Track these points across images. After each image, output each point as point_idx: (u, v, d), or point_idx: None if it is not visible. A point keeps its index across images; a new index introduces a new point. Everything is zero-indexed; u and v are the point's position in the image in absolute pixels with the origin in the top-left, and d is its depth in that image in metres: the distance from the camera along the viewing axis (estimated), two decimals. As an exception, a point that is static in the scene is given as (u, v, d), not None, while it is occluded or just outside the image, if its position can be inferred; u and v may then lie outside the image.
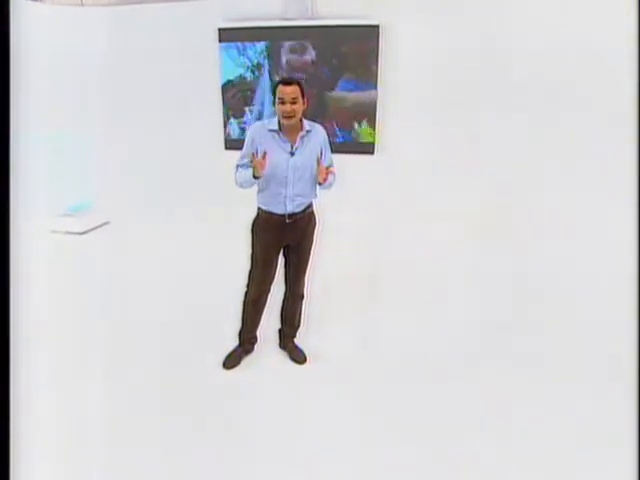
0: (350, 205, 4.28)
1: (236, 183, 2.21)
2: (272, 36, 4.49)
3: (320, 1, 4.33)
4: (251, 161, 2.07)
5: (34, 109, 4.64)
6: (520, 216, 4.14)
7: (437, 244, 4.06)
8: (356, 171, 4.58)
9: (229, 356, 2.47)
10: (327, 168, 2.13)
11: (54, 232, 4.48)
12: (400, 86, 4.37)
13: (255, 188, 2.24)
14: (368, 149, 4.61)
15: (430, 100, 4.34)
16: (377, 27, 4.23)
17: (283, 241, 2.28)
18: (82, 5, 4.85)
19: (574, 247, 3.78)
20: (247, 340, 2.51)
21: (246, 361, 2.52)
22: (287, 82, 2.02)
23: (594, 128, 3.91)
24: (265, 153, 2.01)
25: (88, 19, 4.80)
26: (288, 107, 1.99)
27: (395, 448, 1.96)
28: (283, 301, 2.54)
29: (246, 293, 2.42)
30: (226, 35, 4.58)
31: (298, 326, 2.61)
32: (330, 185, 2.25)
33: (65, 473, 1.84)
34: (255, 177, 2.05)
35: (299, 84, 2.03)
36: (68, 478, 1.83)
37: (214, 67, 4.68)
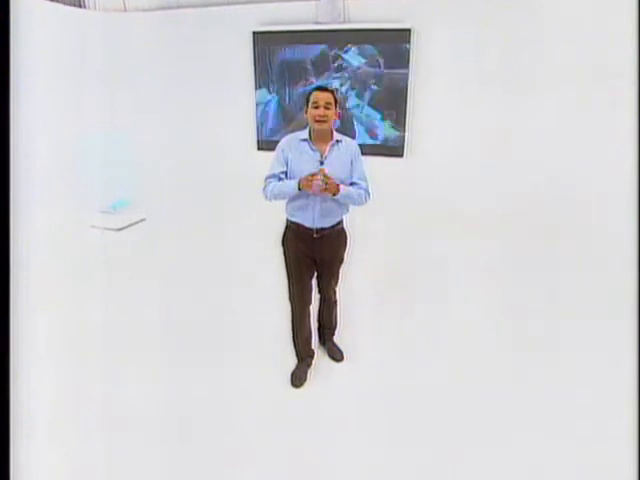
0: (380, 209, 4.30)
1: (266, 196, 2.13)
2: (305, 40, 4.59)
3: (352, 6, 4.40)
4: (283, 173, 2.09)
5: (72, 107, 4.89)
6: (556, 210, 4.09)
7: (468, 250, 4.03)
8: (385, 173, 4.59)
9: (293, 374, 2.39)
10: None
11: (93, 227, 4.70)
12: (430, 87, 4.40)
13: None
14: (397, 151, 4.64)
15: (460, 100, 4.35)
16: (409, 30, 4.26)
17: (312, 255, 2.24)
18: (125, 10, 5.09)
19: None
20: (306, 354, 2.45)
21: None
22: (322, 89, 2.08)
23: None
24: (313, 173, 1.99)
25: (131, 23, 5.04)
26: (321, 111, 2.01)
27: (420, 449, 1.97)
28: (319, 306, 2.57)
29: (292, 311, 2.38)
30: (260, 39, 4.70)
31: (335, 326, 2.65)
32: (359, 202, 2.17)
33: (66, 467, 1.84)
34: (299, 189, 2.03)
35: (333, 93, 2.08)
36: (68, 472, 1.83)
37: (248, 69, 4.82)
